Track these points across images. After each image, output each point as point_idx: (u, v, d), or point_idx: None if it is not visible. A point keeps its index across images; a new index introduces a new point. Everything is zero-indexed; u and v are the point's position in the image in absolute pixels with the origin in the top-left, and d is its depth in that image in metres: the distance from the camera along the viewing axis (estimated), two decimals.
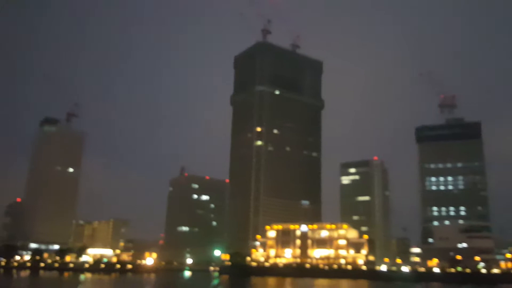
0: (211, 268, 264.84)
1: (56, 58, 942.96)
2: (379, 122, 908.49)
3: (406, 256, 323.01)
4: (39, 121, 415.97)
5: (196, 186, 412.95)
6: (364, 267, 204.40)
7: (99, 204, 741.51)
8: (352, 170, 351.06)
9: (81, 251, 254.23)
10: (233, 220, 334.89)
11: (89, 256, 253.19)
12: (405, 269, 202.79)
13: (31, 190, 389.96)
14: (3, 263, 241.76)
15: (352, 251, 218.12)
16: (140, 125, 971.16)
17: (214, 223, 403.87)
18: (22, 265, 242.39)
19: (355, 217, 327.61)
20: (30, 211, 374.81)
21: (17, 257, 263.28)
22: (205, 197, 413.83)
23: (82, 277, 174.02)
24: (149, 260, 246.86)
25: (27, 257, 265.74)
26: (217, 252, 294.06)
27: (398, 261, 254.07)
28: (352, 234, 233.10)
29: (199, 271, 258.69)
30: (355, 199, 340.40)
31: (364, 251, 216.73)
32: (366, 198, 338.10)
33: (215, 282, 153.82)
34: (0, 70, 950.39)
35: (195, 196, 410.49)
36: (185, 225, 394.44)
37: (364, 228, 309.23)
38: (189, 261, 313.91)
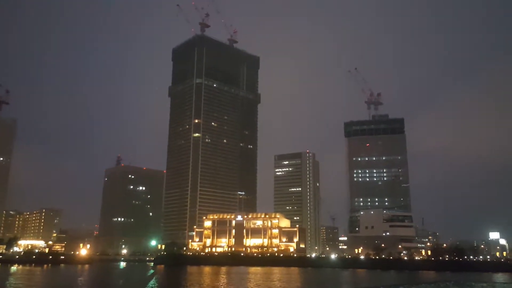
0: (147, 258, 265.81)
1: None
2: (313, 117, 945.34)
3: (334, 244, 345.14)
4: None
5: (132, 176, 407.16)
6: (295, 255, 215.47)
7: (31, 194, 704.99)
8: (286, 162, 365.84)
9: (11, 242, 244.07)
10: (170, 211, 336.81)
11: (20, 247, 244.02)
12: (333, 256, 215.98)
13: None
14: None
15: (284, 240, 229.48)
16: (75, 115, 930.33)
17: (151, 213, 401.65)
18: None
19: (288, 207, 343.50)
20: None
21: None
22: (141, 188, 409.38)
23: (12, 268, 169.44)
24: (83, 251, 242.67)
25: None
26: (153, 243, 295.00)
27: (327, 249, 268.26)
28: (285, 223, 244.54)
29: (135, 262, 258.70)
30: (288, 190, 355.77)
31: (295, 240, 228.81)
32: (298, 189, 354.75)
33: (151, 272, 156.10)
34: None
35: (131, 186, 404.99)
36: (120, 216, 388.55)
37: (296, 218, 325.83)
38: (125, 251, 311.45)
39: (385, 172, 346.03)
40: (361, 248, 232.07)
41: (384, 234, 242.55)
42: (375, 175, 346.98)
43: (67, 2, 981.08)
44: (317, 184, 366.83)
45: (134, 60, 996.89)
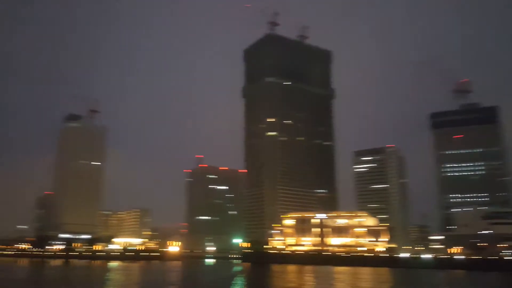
0: (232, 255, 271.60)
1: (75, 58, 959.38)
2: (390, 110, 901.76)
3: (426, 243, 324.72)
4: (63, 118, 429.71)
5: (212, 176, 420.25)
6: (384, 255, 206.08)
7: (122, 195, 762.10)
8: (366, 158, 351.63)
9: (109, 240, 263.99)
10: (250, 209, 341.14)
11: (117, 244, 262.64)
12: (426, 256, 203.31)
13: (59, 183, 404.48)
14: (37, 253, 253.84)
15: (371, 239, 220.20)
16: (156, 120, 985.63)
17: (232, 212, 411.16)
18: (55, 254, 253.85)
19: (371, 205, 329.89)
20: (59, 203, 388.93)
21: (50, 247, 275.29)
22: (222, 187, 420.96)
23: (111, 264, 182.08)
24: (174, 248, 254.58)
25: (59, 247, 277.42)
26: (236, 240, 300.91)
27: (419, 248, 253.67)
28: (371, 221, 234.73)
29: (221, 259, 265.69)
30: (370, 187, 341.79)
31: (384, 239, 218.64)
32: (382, 185, 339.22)
33: (237, 269, 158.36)
34: (23, 71, 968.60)
35: (212, 186, 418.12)
36: (204, 215, 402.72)
37: (382, 216, 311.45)
38: (211, 249, 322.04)
39: (479, 165, 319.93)
40: (457, 247, 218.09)
41: (483, 232, 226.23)
42: (468, 169, 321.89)
43: (146, 9, 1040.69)
44: (403, 180, 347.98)
45: (205, 61, 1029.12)
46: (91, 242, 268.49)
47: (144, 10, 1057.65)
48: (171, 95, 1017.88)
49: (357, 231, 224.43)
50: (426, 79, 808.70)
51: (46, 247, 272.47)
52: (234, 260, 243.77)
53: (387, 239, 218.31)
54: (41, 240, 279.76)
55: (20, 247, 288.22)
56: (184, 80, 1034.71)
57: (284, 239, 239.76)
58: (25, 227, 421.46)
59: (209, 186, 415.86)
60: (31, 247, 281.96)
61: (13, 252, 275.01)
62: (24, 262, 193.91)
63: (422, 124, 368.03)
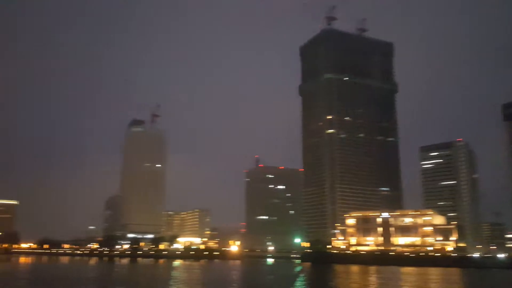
0: (292, 255, 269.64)
1: (136, 65, 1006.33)
2: (460, 102, 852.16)
3: (500, 242, 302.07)
4: (127, 123, 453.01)
5: (271, 176, 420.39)
6: (454, 254, 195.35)
7: (183, 196, 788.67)
8: (433, 153, 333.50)
9: (172, 240, 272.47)
10: (310, 209, 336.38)
11: (179, 244, 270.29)
12: (502, 256, 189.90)
13: (125, 185, 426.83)
14: (106, 252, 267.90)
15: (439, 238, 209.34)
16: (213, 122, 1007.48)
17: (291, 211, 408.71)
18: (122, 253, 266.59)
19: (440, 203, 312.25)
20: (126, 204, 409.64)
21: (118, 246, 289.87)
22: (280, 187, 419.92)
23: (175, 263, 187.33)
24: (234, 247, 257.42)
25: (126, 246, 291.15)
26: (297, 240, 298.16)
27: (492, 247, 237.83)
28: (438, 220, 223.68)
29: (281, 258, 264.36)
30: (438, 184, 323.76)
31: (453, 238, 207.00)
32: (451, 182, 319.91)
33: (298, 269, 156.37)
34: (88, 81, 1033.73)
35: (271, 186, 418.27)
36: (263, 214, 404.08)
37: (451, 214, 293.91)
38: (271, 248, 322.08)
39: None
40: None
41: None
42: None
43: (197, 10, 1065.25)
44: (474, 176, 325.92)
45: (261, 61, 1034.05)
46: (155, 241, 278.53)
47: (195, 11, 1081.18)
48: (227, 96, 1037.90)
49: (424, 230, 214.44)
50: (498, 68, 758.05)
51: (114, 246, 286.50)
52: (295, 260, 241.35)
53: (456, 238, 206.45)
54: (109, 240, 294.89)
55: (92, 247, 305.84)
56: (239, 79, 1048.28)
57: (346, 238, 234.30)
58: (93, 227, 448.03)
59: (267, 186, 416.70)
60: (98, 246, 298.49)
61: (84, 252, 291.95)
62: (94, 261, 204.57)
63: (493, 116, 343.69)
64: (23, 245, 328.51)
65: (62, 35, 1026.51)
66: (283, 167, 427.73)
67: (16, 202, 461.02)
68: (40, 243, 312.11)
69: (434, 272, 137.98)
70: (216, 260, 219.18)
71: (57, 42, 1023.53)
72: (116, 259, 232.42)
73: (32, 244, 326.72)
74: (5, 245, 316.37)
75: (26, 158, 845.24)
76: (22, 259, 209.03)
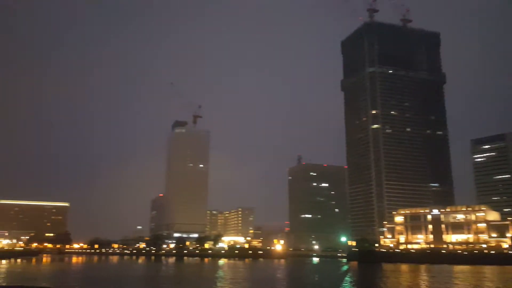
0: (338, 254, 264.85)
1: (178, 69, 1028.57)
2: (511, 92, 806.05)
3: None
4: (170, 124, 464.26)
5: (314, 174, 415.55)
6: (510, 252, 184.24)
7: (226, 195, 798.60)
8: (486, 146, 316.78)
9: (217, 239, 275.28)
10: (355, 207, 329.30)
11: (224, 243, 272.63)
12: None
13: (170, 186, 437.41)
14: (153, 251, 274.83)
15: (494, 235, 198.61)
16: (253, 122, 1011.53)
17: (336, 209, 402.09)
18: (169, 252, 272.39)
19: (494, 198, 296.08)
20: (171, 204, 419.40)
21: (164, 246, 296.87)
22: (324, 184, 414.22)
23: (220, 262, 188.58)
24: (278, 246, 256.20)
25: (172, 245, 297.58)
26: (343, 239, 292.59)
27: None
28: (493, 216, 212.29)
29: (327, 257, 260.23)
30: (492, 178, 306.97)
31: (509, 234, 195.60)
32: (506, 176, 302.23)
33: (344, 268, 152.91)
34: (133, 84, 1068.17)
35: (314, 183, 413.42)
36: (307, 212, 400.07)
37: (507, 209, 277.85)
38: (316, 247, 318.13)
39: None
40: None
41: None
42: None
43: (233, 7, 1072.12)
44: None
45: (301, 57, 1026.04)
46: (200, 240, 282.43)
47: (230, 7, 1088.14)
48: (266, 94, 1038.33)
49: (477, 226, 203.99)
50: None
51: (161, 245, 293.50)
52: (341, 259, 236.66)
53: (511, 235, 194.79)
54: (155, 239, 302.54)
55: (140, 247, 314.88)
56: (281, 78, 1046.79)
57: (395, 236, 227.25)
58: (141, 227, 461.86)
59: (311, 184, 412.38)
60: (145, 246, 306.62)
61: (132, 251, 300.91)
62: (141, 260, 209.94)
63: None
64: (75, 246, 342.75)
65: (121, 43, 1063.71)
66: (326, 165, 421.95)
67: (67, 204, 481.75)
68: (91, 243, 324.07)
69: (488, 271, 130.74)
70: (260, 259, 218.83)
71: (113, 45, 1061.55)
72: (163, 258, 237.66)
73: (83, 244, 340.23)
74: (59, 246, 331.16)
75: (75, 163, 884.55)
76: (74, 259, 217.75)
